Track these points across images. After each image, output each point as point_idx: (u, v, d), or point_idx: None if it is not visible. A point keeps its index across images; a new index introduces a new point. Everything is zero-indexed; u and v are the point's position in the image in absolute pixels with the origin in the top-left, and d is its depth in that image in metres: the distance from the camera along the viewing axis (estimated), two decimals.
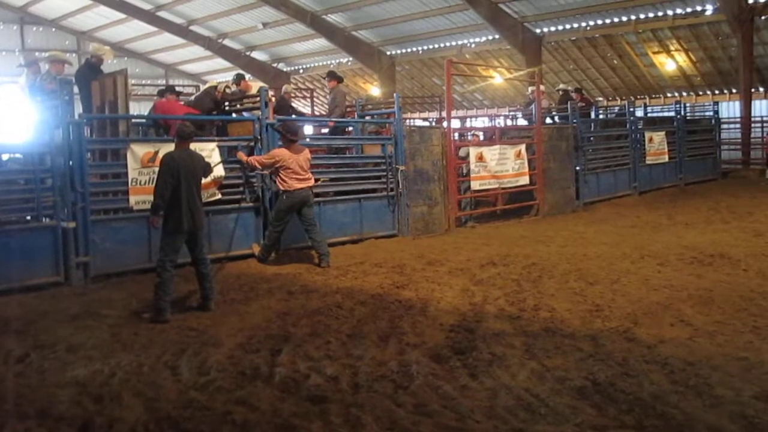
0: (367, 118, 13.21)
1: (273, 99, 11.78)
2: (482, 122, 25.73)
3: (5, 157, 9.09)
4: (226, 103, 11.35)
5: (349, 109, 13.66)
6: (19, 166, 8.75)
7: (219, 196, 9.10)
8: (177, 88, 13.97)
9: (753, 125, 21.45)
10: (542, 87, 16.58)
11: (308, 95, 25.97)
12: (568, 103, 15.33)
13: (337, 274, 8.37)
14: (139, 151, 8.47)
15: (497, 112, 25.78)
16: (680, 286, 7.04)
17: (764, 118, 21.62)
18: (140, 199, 8.37)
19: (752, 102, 21.44)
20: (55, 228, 7.95)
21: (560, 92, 17.97)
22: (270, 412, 4.18)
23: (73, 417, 4.20)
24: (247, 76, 29.30)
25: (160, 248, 6.89)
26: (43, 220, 8.06)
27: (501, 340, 5.48)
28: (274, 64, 31.78)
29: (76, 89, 10.06)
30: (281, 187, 9.11)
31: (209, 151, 8.90)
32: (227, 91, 11.97)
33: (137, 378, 4.89)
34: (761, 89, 23.24)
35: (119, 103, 9.27)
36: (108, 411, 4.27)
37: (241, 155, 9.33)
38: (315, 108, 24.84)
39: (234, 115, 11.46)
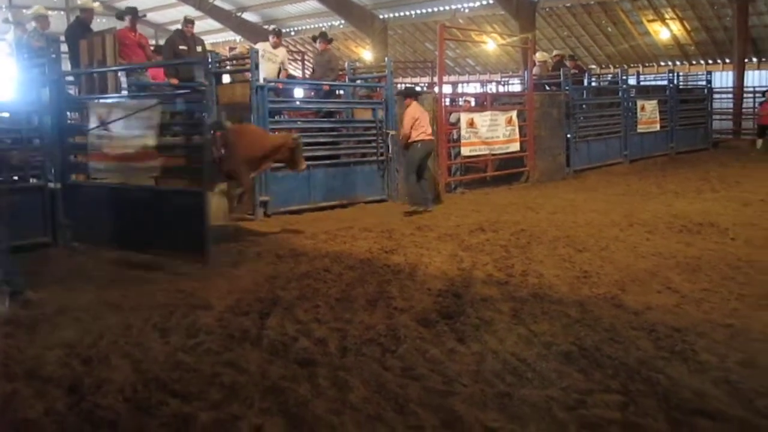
0: (359, 82, 13.10)
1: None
2: (474, 88, 25.62)
3: None
4: (217, 64, 11.16)
5: (340, 73, 13.52)
6: (6, 125, 8.64)
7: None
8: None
9: (745, 96, 21.48)
10: (540, 56, 16.49)
11: (300, 58, 25.70)
12: (561, 69, 15.26)
13: (325, 239, 8.36)
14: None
15: (489, 78, 25.65)
16: (668, 254, 7.07)
17: (756, 89, 21.61)
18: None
19: (745, 72, 21.42)
20: (42, 188, 7.89)
21: (555, 57, 17.86)
22: (258, 374, 4.18)
23: (61, 378, 4.19)
24: (238, 38, 28.96)
25: None
26: (31, 180, 8.00)
27: (489, 305, 5.49)
28: (266, 26, 31.39)
29: (65, 47, 9.94)
30: (417, 138, 10.35)
31: (151, 111, 7.33)
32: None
33: (125, 340, 4.87)
34: (754, 60, 23.20)
35: (108, 62, 9.15)
36: (96, 372, 4.26)
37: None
38: (306, 71, 24.60)
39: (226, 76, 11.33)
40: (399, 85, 19.76)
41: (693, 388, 3.85)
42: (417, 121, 10.37)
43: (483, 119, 12.72)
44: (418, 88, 11.86)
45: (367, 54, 28.04)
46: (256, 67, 9.93)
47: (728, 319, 5.01)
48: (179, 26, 11.19)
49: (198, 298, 5.88)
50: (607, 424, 3.46)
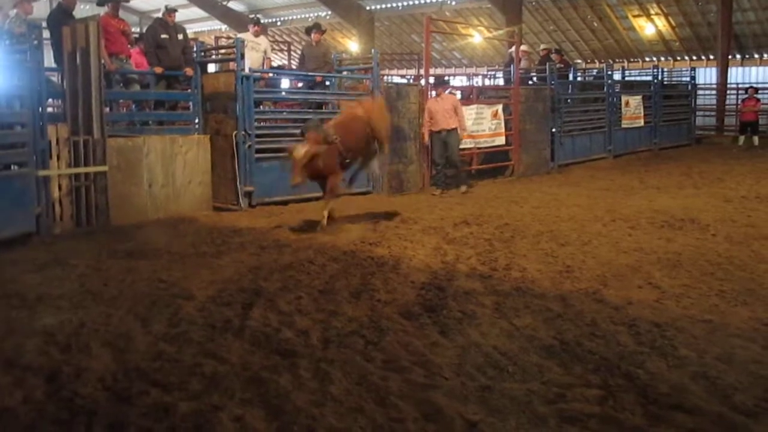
0: (345, 73, 13.04)
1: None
2: (460, 81, 25.62)
3: None
4: (202, 53, 11.05)
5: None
6: None
7: None
8: None
9: (728, 92, 21.63)
10: (524, 47, 16.51)
11: (286, 48, 25.59)
12: (547, 64, 15.30)
13: (309, 230, 8.34)
14: None
15: (475, 72, 25.67)
16: (650, 250, 7.12)
17: (739, 86, 21.77)
18: None
19: (728, 69, 21.57)
20: (24, 176, 7.81)
21: (542, 51, 17.92)
22: (239, 364, 4.18)
23: (41, 366, 4.16)
24: (224, 27, 28.70)
25: None
26: (12, 167, 7.92)
27: (472, 299, 5.51)
28: (252, 16, 31.18)
29: (47, 33, 9.81)
30: (455, 126, 11.66)
31: None
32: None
33: (106, 329, 4.85)
34: (738, 56, 23.37)
35: (91, 49, 9.05)
36: (76, 361, 4.23)
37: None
38: (292, 61, 24.49)
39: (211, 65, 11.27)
40: (386, 77, 19.76)
41: (672, 383, 3.88)
42: None
43: (469, 113, 12.71)
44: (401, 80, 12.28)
45: (353, 45, 27.96)
46: (242, 56, 9.87)
47: (707, 315, 5.06)
48: (160, 14, 11.10)
49: (180, 288, 5.85)
50: (587, 418, 3.49)
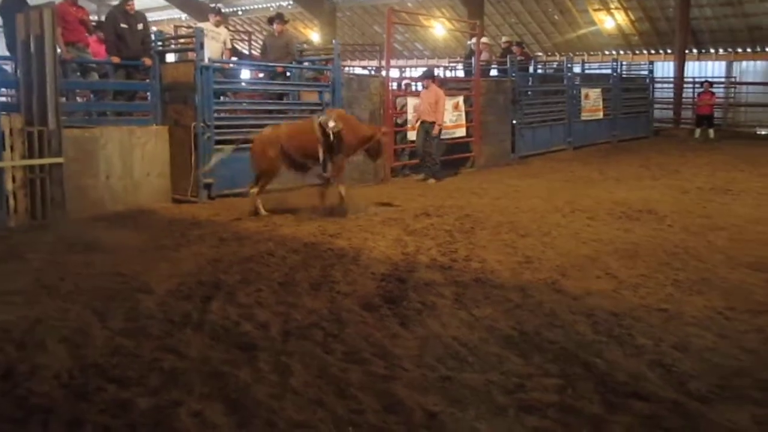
0: (306, 64, 12.96)
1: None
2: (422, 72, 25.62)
3: None
4: (160, 44, 10.88)
5: None
6: None
7: None
8: None
9: (685, 86, 22.00)
10: (485, 39, 16.58)
11: (247, 38, 25.32)
12: (508, 56, 15.39)
13: (269, 222, 8.29)
14: None
15: (437, 63, 25.70)
16: (608, 240, 7.22)
17: (696, 80, 22.16)
18: None
19: (685, 63, 21.94)
20: None
21: (503, 44, 18.04)
22: (199, 359, 4.13)
23: None
24: (183, 16, 28.25)
25: None
26: None
27: (432, 290, 5.53)
28: (212, 5, 30.76)
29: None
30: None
31: None
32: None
33: (63, 324, 4.75)
34: (694, 51, 23.77)
35: (46, 37, 8.84)
36: (31, 357, 4.15)
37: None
38: (253, 51, 24.25)
39: (169, 55, 11.11)
40: (347, 68, 19.67)
41: (629, 371, 3.94)
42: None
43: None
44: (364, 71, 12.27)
45: (315, 36, 27.79)
46: (201, 46, 9.74)
47: (663, 304, 5.15)
48: (119, 2, 10.92)
49: (139, 282, 5.77)
50: (545, 407, 3.52)
